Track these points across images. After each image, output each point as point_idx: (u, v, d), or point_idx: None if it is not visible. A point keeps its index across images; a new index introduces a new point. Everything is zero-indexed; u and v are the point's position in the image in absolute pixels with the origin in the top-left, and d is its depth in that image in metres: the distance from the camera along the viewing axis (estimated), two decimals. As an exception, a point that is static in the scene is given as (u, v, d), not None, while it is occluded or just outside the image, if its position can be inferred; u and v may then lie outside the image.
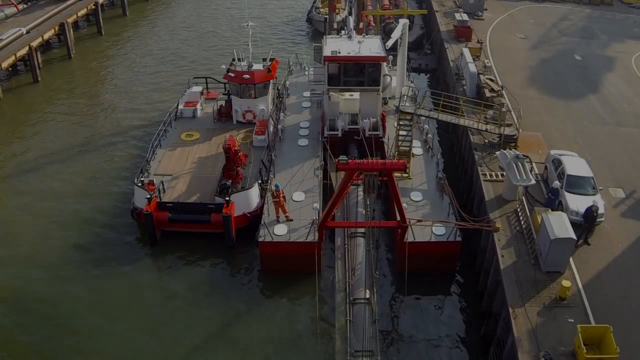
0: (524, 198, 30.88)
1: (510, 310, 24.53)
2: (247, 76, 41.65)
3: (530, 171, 31.28)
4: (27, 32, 56.30)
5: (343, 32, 46.47)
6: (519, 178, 30.25)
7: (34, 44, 55.36)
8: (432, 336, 28.78)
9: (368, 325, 26.89)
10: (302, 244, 30.92)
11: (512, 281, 26.11)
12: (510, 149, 33.02)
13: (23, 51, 53.90)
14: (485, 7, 62.71)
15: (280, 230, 31.64)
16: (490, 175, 33.37)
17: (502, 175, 33.18)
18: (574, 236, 25.82)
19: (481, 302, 29.68)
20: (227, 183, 34.51)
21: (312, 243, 30.57)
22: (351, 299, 28.92)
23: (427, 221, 30.64)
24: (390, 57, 43.89)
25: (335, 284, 30.97)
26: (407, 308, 30.31)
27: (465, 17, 56.47)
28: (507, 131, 36.15)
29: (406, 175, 35.28)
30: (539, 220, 27.53)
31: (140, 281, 31.82)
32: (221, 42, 65.77)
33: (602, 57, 52.94)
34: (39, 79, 55.68)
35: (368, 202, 25.90)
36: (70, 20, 61.81)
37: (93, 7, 66.58)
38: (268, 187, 34.45)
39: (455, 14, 58.57)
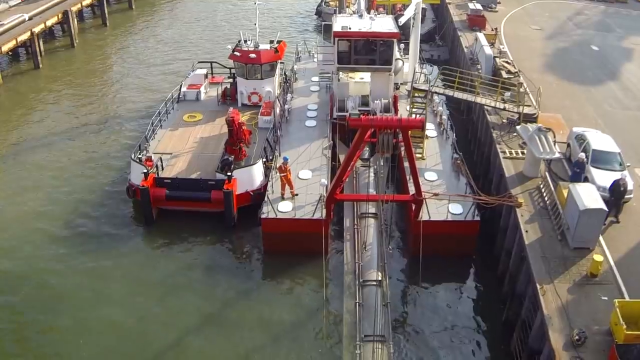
0: (547, 173, 28.66)
1: (538, 286, 22.30)
2: (253, 55, 39.75)
3: (554, 144, 29.08)
4: (30, 18, 55.02)
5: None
6: (542, 150, 28.10)
7: (36, 29, 54.03)
8: (449, 322, 26.55)
9: (379, 308, 24.69)
10: (308, 221, 28.82)
11: (538, 257, 23.92)
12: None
13: (24, 36, 52.55)
14: (499, 0, 60.98)
15: (285, 207, 29.56)
16: (510, 153, 31.31)
17: (522, 153, 31.30)
18: (604, 207, 23.64)
19: (502, 287, 27.50)
20: (230, 158, 32.39)
21: (319, 220, 28.44)
22: (361, 280, 26.77)
23: (444, 195, 28.37)
24: (402, 45, 41.97)
25: (344, 266, 28.77)
26: (421, 292, 28.12)
27: (479, 6, 54.82)
28: (527, 110, 34.29)
29: (420, 155, 33.18)
30: (565, 194, 25.45)
31: (133, 262, 29.77)
32: (231, 34, 63.88)
33: (620, 48, 50.90)
34: (40, 65, 54.22)
35: (382, 172, 23.68)
36: (74, 8, 60.48)
37: (99, -4, 65.10)
38: (273, 165, 32.39)
39: (469, 3, 56.77)
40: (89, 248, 30.62)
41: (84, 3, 63.12)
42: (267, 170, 32.96)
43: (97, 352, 24.82)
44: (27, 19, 54.33)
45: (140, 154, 33.26)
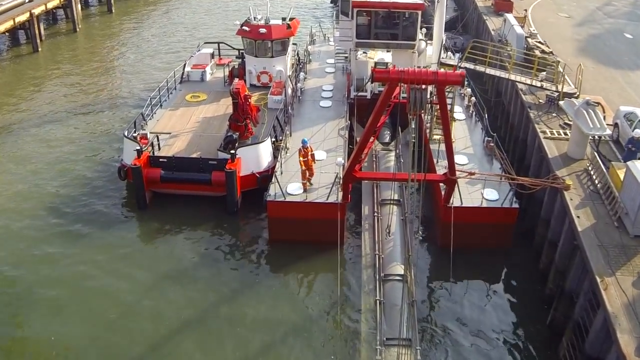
0: (595, 153, 24.94)
1: (599, 279, 18.49)
2: (263, 30, 36.23)
3: (604, 119, 25.40)
4: (30, 0, 51.91)
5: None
6: (591, 126, 24.41)
7: (36, 11, 51.07)
8: (483, 324, 22.78)
9: (404, 307, 21.01)
10: (322, 205, 25.25)
11: (594, 246, 20.18)
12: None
13: (23, 17, 49.64)
14: (524, -10, 57.73)
15: (295, 188, 25.89)
16: (551, 133, 27.57)
17: (564, 133, 27.72)
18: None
19: (545, 283, 23.75)
20: (234, 135, 28.80)
21: (334, 205, 24.87)
22: (382, 275, 23.22)
23: (481, 176, 24.64)
24: (424, 30, 38.29)
25: (362, 258, 25.15)
26: (452, 289, 24.36)
27: (505, -10, 51.12)
28: (566, 89, 30.77)
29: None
30: (621, 175, 21.75)
31: (122, 251, 26.26)
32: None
33: (655, 37, 47.46)
34: (39, 49, 51.32)
35: (413, 137, 19.85)
36: (78, -8, 57.32)
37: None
38: (282, 145, 28.84)
39: (496, -12, 53.23)
40: (74, 235, 27.22)
41: (88, -14, 60.08)
42: (276, 151, 29.39)
43: (83, 345, 21.52)
44: (27, 0, 51.26)
45: (134, 132, 29.70)
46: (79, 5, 58.37)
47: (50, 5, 53.85)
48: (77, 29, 56.81)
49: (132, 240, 27.10)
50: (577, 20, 50.20)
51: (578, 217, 21.71)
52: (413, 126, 19.19)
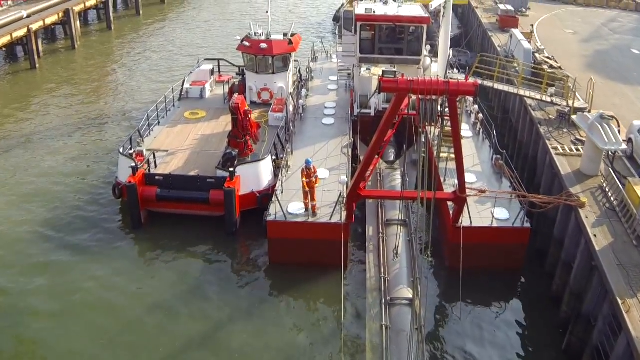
0: (610, 169, 23.86)
1: (620, 301, 17.31)
2: (264, 46, 35.26)
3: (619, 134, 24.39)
4: (28, 16, 51.46)
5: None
6: (607, 140, 23.34)
7: (34, 27, 50.47)
8: (495, 351, 21.49)
9: (412, 333, 19.89)
10: (324, 225, 24.08)
11: (613, 266, 19.06)
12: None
13: (20, 32, 49.02)
14: (528, 6, 57.10)
15: (296, 208, 24.75)
16: (563, 149, 26.50)
17: (576, 149, 26.75)
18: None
19: (559, 307, 22.47)
20: (233, 153, 27.71)
21: (337, 225, 23.69)
22: (388, 299, 22.01)
23: (492, 194, 23.55)
24: (428, 47, 37.49)
25: (367, 281, 23.94)
26: (462, 314, 23.02)
27: (510, 7, 51.09)
28: (577, 104, 29.94)
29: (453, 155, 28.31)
30: (638, 192, 20.86)
31: (115, 273, 25.02)
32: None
33: (662, 53, 46.82)
34: (37, 65, 50.56)
35: (422, 152, 18.80)
36: (77, 9, 56.97)
37: (103, -1, 61.67)
38: (283, 163, 27.77)
39: (499, 5, 53.07)
40: (64, 255, 26.10)
41: (87, 4, 59.84)
42: (277, 169, 28.31)
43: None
44: (25, 16, 50.85)
45: (130, 149, 28.65)
46: (78, 22, 57.81)
47: (48, 21, 53.30)
48: (76, 46, 56.18)
49: (125, 262, 25.82)
50: (583, 37, 49.71)
51: (595, 235, 20.59)
52: (423, 140, 18.09)
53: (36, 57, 50.37)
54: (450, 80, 17.97)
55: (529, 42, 41.51)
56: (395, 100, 18.59)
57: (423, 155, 17.20)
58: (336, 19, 65.81)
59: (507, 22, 48.50)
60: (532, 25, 45.24)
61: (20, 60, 52.63)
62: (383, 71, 19.20)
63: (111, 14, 63.21)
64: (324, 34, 62.69)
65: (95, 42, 60.32)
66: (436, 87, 17.68)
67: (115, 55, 56.18)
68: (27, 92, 45.62)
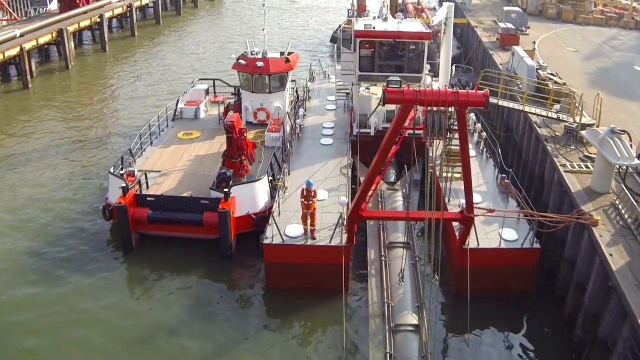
0: (622, 186, 22.85)
1: (641, 324, 16.16)
2: (260, 64, 34.27)
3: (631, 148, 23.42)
4: (21, 35, 50.51)
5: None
6: (619, 155, 22.37)
7: (27, 46, 49.69)
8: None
9: (417, 362, 18.47)
10: (324, 248, 22.89)
11: (632, 286, 17.97)
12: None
13: (13, 51, 48.27)
14: (528, 25, 56.56)
15: (294, 230, 23.57)
16: (572, 166, 25.52)
17: (585, 166, 25.80)
18: None
19: (572, 331, 21.29)
20: (228, 173, 26.58)
21: (337, 248, 22.53)
22: (392, 325, 20.80)
23: (500, 213, 22.49)
24: (427, 66, 36.66)
25: (369, 307, 22.69)
26: (469, 340, 21.79)
27: (510, 25, 50.14)
28: (584, 120, 29.07)
29: (459, 175, 27.25)
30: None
31: (103, 299, 23.73)
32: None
33: (665, 69, 46.36)
34: (29, 85, 49.64)
35: (433, 165, 17.81)
36: (70, 29, 56.28)
37: (97, 19, 60.82)
38: (280, 184, 26.64)
39: (500, 23, 52.35)
40: (51, 281, 24.79)
41: (81, 24, 59.13)
42: (274, 190, 27.18)
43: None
44: (18, 35, 49.95)
45: (121, 169, 27.54)
46: (72, 43, 57.18)
47: (41, 41, 52.55)
48: (70, 66, 55.25)
49: (115, 287, 24.59)
50: (584, 54, 49.12)
51: (610, 255, 19.52)
52: (431, 154, 17.01)
53: (29, 76, 49.45)
54: (459, 90, 16.91)
55: (532, 59, 40.78)
56: (400, 113, 17.47)
57: (431, 170, 16.07)
58: (333, 40, 65.33)
59: (508, 40, 47.71)
60: (534, 42, 44.42)
61: (13, 79, 51.78)
62: (388, 80, 18.15)
63: (106, 35, 62.43)
64: (322, 55, 61.88)
65: (90, 62, 59.55)
66: (444, 98, 16.62)
67: (109, 76, 55.29)
68: (18, 112, 44.62)
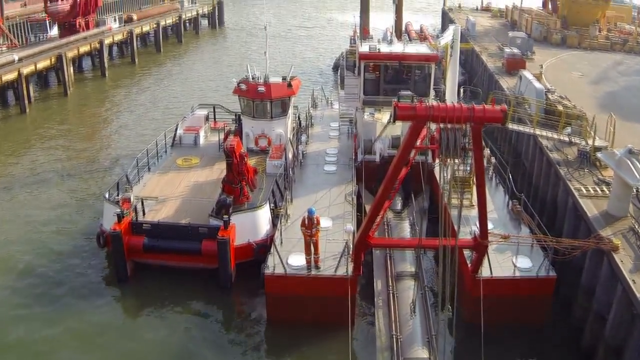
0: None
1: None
2: (262, 89, 33.28)
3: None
4: (20, 60, 50.07)
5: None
6: (638, 177, 21.44)
7: (25, 70, 49.03)
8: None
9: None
10: (329, 279, 21.75)
11: (659, 317, 16.67)
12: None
13: (11, 76, 47.72)
14: (533, 51, 56.02)
15: (297, 260, 22.40)
16: (587, 190, 24.64)
17: (601, 190, 24.85)
18: None
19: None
20: (228, 199, 25.47)
21: (343, 278, 21.38)
22: (401, 359, 19.34)
23: (515, 239, 21.39)
24: (433, 92, 35.84)
25: (377, 340, 21.43)
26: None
27: (516, 50, 49.59)
28: (597, 143, 28.32)
29: (468, 201, 26.22)
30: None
31: (98, 331, 22.54)
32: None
33: (674, 93, 45.74)
34: (27, 110, 49.07)
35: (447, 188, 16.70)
36: (70, 54, 55.77)
37: (97, 45, 60.21)
38: (282, 212, 25.54)
39: (505, 49, 51.77)
40: (42, 310, 23.69)
41: (81, 50, 58.71)
42: (276, 218, 26.05)
43: None
44: (16, 59, 49.51)
45: (117, 195, 26.48)
46: (71, 69, 56.73)
47: (40, 66, 52.03)
48: (69, 93, 54.67)
49: (109, 319, 23.40)
50: (591, 79, 48.51)
51: (634, 281, 18.44)
52: (446, 174, 15.93)
53: (26, 101, 48.91)
54: (475, 106, 15.82)
55: (540, 83, 40.01)
56: (412, 130, 16.27)
57: (445, 190, 14.96)
58: (336, 67, 64.70)
59: (514, 65, 47.08)
60: (541, 66, 43.70)
61: (11, 104, 51.11)
62: (399, 95, 17.03)
63: (105, 61, 62.04)
64: (324, 82, 61.20)
65: (89, 89, 59.11)
66: (459, 114, 15.51)
67: (108, 103, 54.67)
68: (14, 137, 43.92)
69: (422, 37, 64.73)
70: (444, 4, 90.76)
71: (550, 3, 73.71)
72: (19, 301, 24.31)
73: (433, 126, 16.60)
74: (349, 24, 79.55)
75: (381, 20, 65.78)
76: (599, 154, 25.27)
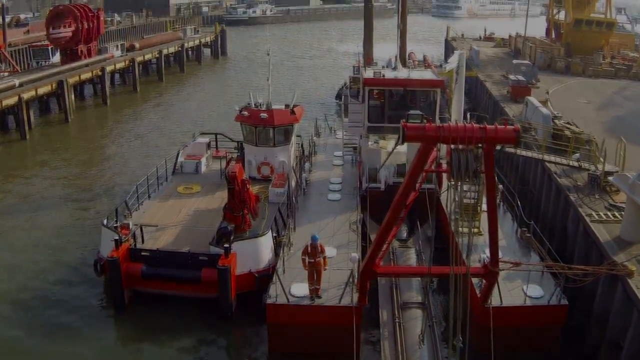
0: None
1: None
2: (264, 116, 32.76)
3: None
4: (21, 85, 49.84)
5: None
6: (652, 201, 20.74)
7: (25, 95, 48.84)
8: None
9: None
10: (333, 309, 20.95)
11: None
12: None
13: (11, 100, 47.48)
14: (538, 78, 55.83)
15: (300, 290, 21.64)
16: (599, 216, 24.11)
17: (613, 215, 24.31)
18: None
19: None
20: (229, 227, 24.78)
21: (348, 308, 20.59)
22: (409, 393, 18.65)
23: (526, 266, 20.73)
24: (438, 121, 35.33)
25: (383, 373, 20.63)
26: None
27: (521, 77, 49.33)
28: (607, 168, 27.68)
29: (476, 229, 25.52)
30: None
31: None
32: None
33: (680, 118, 45.38)
34: (27, 136, 48.70)
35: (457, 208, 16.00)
36: (71, 80, 55.60)
37: (99, 72, 60.22)
38: (284, 241, 24.83)
39: (510, 76, 51.52)
40: (36, 341, 22.88)
41: (82, 77, 58.63)
42: (278, 247, 25.34)
43: None
44: (17, 84, 49.34)
45: (116, 222, 25.83)
46: (72, 95, 56.55)
47: (41, 91, 51.85)
48: (69, 119, 54.43)
49: (106, 349, 22.63)
50: (597, 105, 48.33)
51: (650, 308, 17.62)
52: (456, 198, 15.25)
53: (27, 127, 48.59)
54: (487, 126, 15.18)
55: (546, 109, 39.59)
56: (421, 152, 15.61)
57: (457, 215, 14.26)
58: (339, 97, 64.41)
59: (519, 92, 46.84)
60: (547, 93, 43.41)
61: (11, 130, 50.89)
62: (408, 114, 16.37)
63: (107, 89, 61.87)
64: (327, 111, 60.96)
65: (90, 116, 59.03)
66: (471, 134, 14.86)
67: (109, 130, 54.45)
68: (13, 163, 43.69)
69: (426, 65, 64.61)
70: (447, 34, 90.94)
71: (553, 31, 73.82)
72: (13, 330, 23.55)
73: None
74: (351, 53, 79.70)
75: (384, 51, 65.69)
76: (610, 179, 24.73)
